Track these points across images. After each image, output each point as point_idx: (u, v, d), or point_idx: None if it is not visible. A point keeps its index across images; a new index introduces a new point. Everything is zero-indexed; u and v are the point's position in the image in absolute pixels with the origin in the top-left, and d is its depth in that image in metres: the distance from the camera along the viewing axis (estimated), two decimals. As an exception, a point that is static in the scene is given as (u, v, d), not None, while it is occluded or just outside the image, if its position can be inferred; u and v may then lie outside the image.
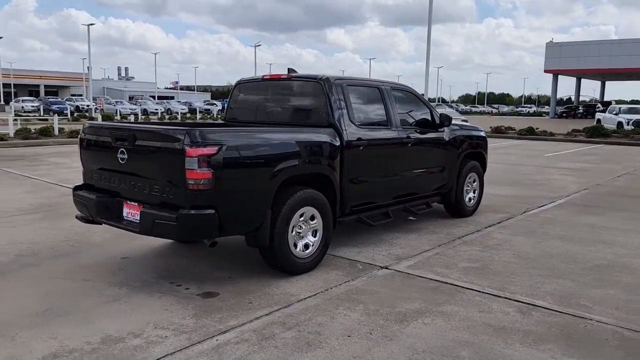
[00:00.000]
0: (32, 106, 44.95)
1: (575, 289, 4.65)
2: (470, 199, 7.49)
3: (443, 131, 6.79)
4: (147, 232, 4.35)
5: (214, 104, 60.07)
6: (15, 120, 22.94)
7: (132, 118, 34.79)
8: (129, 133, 4.52)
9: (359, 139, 5.47)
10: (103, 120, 26.05)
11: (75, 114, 37.35)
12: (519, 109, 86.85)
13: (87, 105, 45.64)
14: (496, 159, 15.53)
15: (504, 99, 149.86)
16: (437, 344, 3.55)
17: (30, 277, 4.83)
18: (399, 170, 6.11)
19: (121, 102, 48.65)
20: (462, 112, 46.45)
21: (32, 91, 77.48)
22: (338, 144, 5.24)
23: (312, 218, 5.00)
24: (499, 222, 7.16)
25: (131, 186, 4.58)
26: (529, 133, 24.79)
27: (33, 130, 19.60)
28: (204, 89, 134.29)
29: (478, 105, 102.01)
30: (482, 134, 7.87)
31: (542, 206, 8.37)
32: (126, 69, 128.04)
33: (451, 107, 51.66)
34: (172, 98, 76.28)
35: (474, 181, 7.54)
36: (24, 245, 5.76)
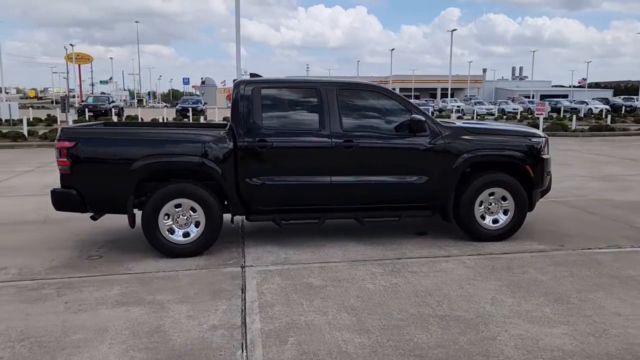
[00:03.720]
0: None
1: (336, 328, 3.88)
2: (496, 221, 6.04)
3: (427, 135, 5.84)
4: None
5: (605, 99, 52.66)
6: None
7: (478, 118, 36.11)
8: None
9: (262, 141, 5.60)
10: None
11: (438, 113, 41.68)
12: None
13: (458, 106, 47.62)
14: None
15: None
16: (86, 323, 3.98)
17: (38, 228, 6.86)
18: (335, 177, 5.74)
19: (482, 103, 49.33)
20: None
21: (431, 94, 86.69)
22: (230, 144, 5.57)
23: (194, 210, 5.57)
24: (506, 254, 5.64)
25: None
26: None
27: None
28: (616, 85, 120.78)
29: None
30: (523, 141, 6.10)
31: (651, 247, 5.86)
32: (520, 68, 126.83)
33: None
34: (566, 97, 71.67)
35: (502, 199, 6.02)
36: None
